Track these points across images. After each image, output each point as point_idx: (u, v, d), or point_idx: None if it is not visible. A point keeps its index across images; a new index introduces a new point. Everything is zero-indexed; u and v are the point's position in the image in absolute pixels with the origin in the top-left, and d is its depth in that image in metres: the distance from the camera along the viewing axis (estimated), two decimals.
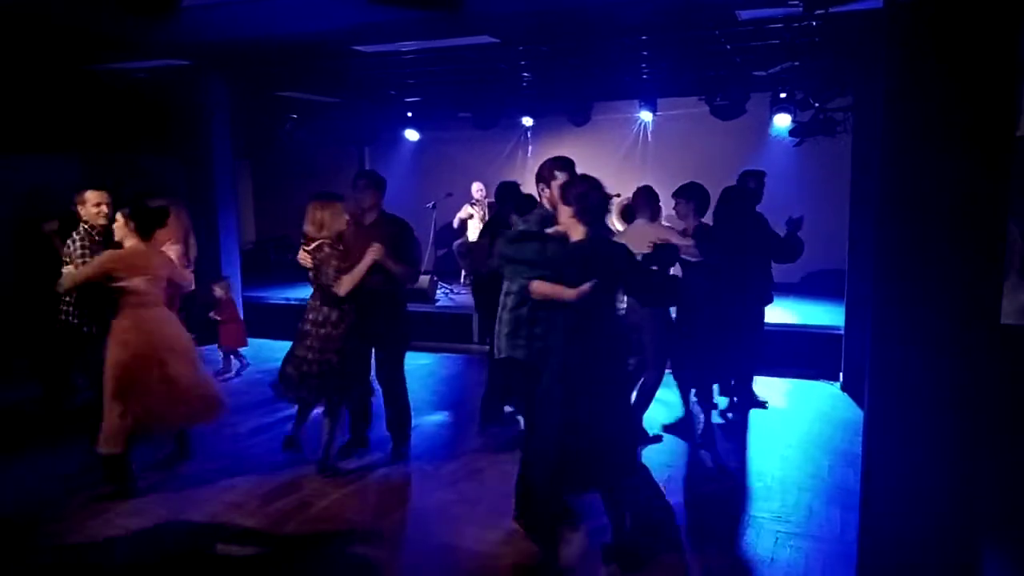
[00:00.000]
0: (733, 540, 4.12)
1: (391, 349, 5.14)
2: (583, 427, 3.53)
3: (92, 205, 4.99)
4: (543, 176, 3.99)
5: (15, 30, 6.27)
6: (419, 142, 12.28)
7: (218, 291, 7.45)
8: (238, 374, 7.55)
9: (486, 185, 10.71)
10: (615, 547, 3.81)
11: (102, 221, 4.95)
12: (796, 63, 7.71)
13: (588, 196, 3.58)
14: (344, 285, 4.57)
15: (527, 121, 11.61)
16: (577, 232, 3.61)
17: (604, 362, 3.59)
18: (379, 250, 4.63)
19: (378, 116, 11.70)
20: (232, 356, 7.60)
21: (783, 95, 8.94)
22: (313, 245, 4.65)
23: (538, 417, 3.70)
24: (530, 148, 11.98)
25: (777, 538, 4.11)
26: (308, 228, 4.68)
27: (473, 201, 10.55)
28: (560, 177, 3.87)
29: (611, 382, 3.63)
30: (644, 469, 4.66)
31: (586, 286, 3.44)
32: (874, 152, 3.08)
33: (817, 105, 8.34)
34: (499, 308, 4.02)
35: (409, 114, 11.68)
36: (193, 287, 5.38)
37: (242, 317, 9.17)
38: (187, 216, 6.24)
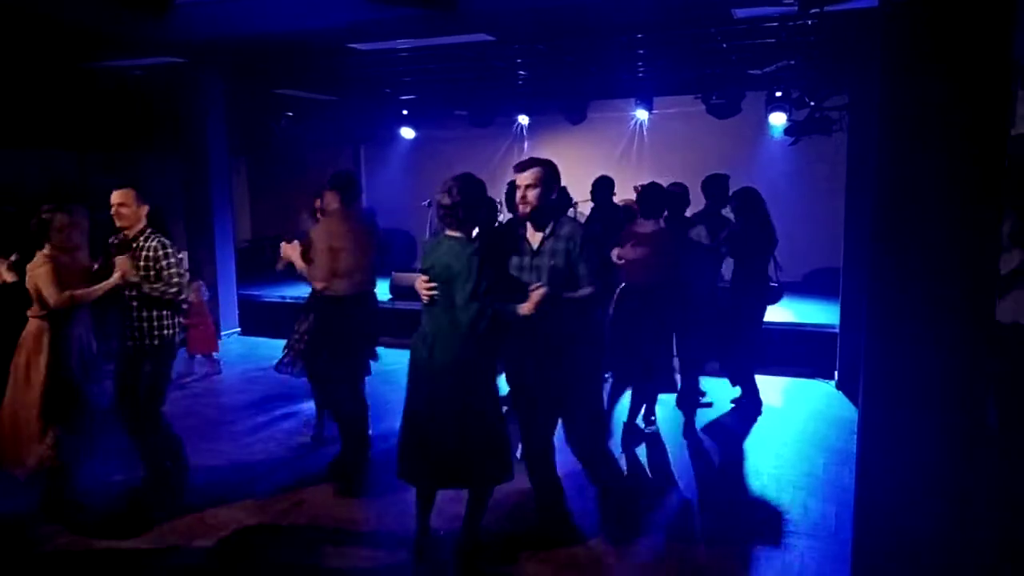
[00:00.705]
0: (728, 538, 4.13)
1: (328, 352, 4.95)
2: (426, 419, 3.56)
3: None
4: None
5: (11, 27, 6.25)
6: (415, 140, 12.27)
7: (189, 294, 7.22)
8: (207, 376, 7.28)
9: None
10: (463, 545, 3.79)
11: (118, 223, 4.30)
12: (792, 62, 7.72)
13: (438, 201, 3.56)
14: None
15: (523, 119, 11.61)
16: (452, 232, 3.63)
17: (452, 363, 3.52)
18: (284, 247, 4.84)
19: (374, 114, 11.69)
20: (206, 359, 7.36)
21: (779, 94, 8.96)
22: None
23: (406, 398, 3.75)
24: (526, 146, 11.97)
25: (772, 536, 4.12)
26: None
27: None
28: (514, 176, 3.74)
29: (459, 384, 3.54)
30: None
31: (418, 281, 3.57)
32: (870, 151, 3.09)
33: (813, 104, 8.35)
34: None
35: (405, 112, 11.67)
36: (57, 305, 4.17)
37: (237, 318, 9.20)
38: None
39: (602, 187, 6.44)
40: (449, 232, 3.59)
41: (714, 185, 6.18)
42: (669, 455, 5.33)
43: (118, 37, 6.80)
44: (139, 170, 8.99)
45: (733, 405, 6.36)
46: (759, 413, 6.20)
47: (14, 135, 7.77)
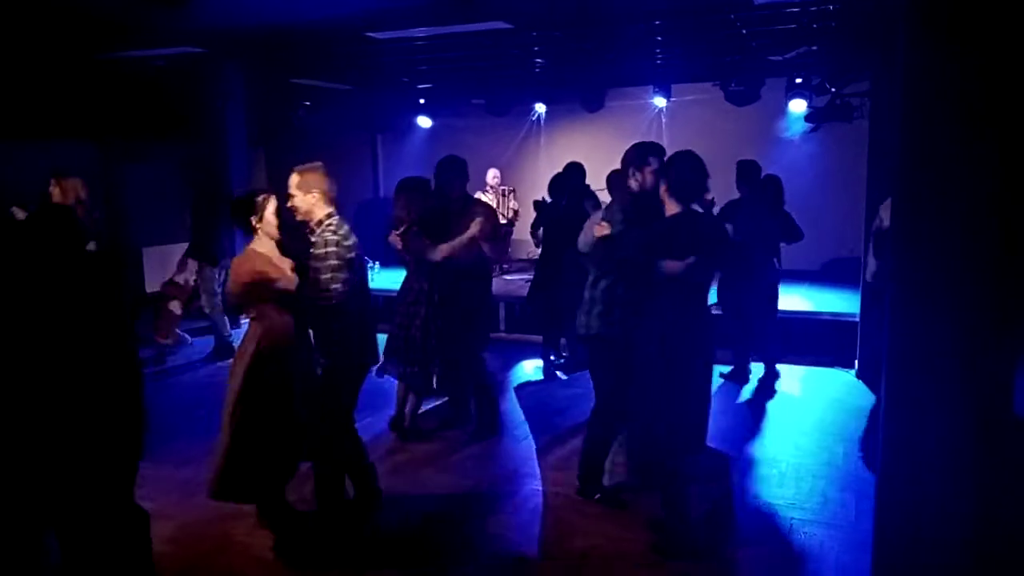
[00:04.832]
0: (747, 527, 4.12)
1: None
2: (675, 401, 3.67)
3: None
4: (633, 160, 4.04)
5: (32, 18, 6.30)
6: (431, 129, 12.24)
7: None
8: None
9: (500, 172, 10.73)
10: (663, 531, 3.84)
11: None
12: (813, 48, 7.62)
13: (683, 172, 3.69)
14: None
15: (540, 107, 11.56)
16: (671, 208, 3.70)
17: (698, 336, 3.69)
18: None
19: (391, 103, 11.68)
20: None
21: (799, 80, 8.86)
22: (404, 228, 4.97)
23: (637, 390, 3.82)
24: (543, 134, 11.94)
25: (791, 525, 4.11)
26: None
27: (487, 188, 10.51)
28: (653, 163, 3.93)
29: (700, 357, 3.75)
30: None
31: (690, 260, 3.55)
32: (892, 138, 3.04)
33: (833, 90, 8.25)
34: (586, 288, 4.17)
35: (422, 101, 11.65)
36: None
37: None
38: None
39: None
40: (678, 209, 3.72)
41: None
42: None
43: (138, 27, 6.84)
44: (158, 160, 9.05)
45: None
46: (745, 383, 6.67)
47: (33, 126, 7.82)
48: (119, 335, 2.96)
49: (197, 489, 4.44)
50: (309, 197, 3.78)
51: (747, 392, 6.56)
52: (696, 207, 4.02)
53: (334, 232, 3.70)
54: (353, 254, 3.76)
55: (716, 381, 6.69)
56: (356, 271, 3.81)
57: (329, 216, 3.78)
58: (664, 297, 3.68)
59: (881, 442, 3.14)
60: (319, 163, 3.88)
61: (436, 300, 5.08)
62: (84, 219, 4.49)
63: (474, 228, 4.95)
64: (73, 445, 2.77)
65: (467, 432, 5.45)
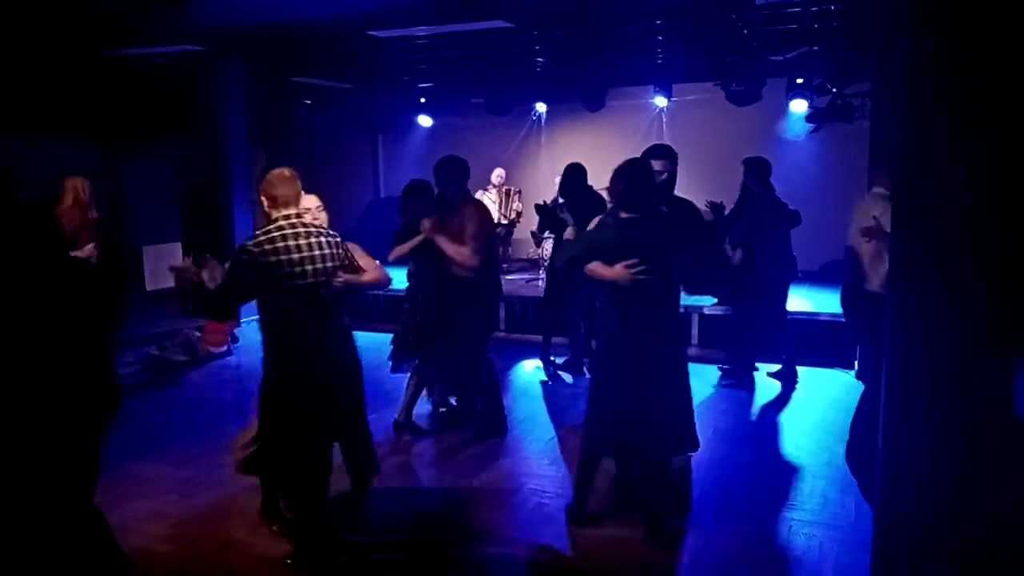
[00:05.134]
0: (747, 528, 4.12)
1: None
2: (636, 401, 3.68)
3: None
4: None
5: (31, 15, 6.30)
6: (432, 128, 12.24)
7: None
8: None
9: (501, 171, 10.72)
10: (648, 521, 3.93)
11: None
12: (814, 48, 7.62)
13: (617, 183, 3.71)
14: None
15: (541, 107, 11.55)
16: (622, 214, 3.75)
17: (657, 339, 3.69)
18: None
19: (391, 102, 11.68)
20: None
21: (800, 80, 8.86)
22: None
23: (593, 390, 3.90)
24: (544, 134, 11.93)
25: (791, 526, 4.10)
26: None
27: (489, 187, 10.48)
28: (656, 165, 3.98)
29: (665, 359, 3.75)
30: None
31: (619, 267, 3.56)
32: (892, 139, 3.04)
33: (835, 90, 8.25)
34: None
35: (422, 100, 11.64)
36: None
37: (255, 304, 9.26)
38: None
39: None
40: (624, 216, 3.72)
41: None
42: None
43: (138, 25, 6.84)
44: (158, 157, 9.05)
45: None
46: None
47: (32, 123, 7.82)
48: (91, 347, 2.88)
49: (197, 488, 4.47)
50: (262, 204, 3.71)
51: (752, 391, 6.56)
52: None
53: (250, 238, 3.52)
54: (270, 260, 3.45)
55: (714, 381, 6.72)
56: (280, 280, 3.49)
57: (273, 221, 3.57)
58: (625, 297, 3.69)
59: (881, 442, 3.13)
60: (278, 169, 3.75)
61: (420, 300, 5.12)
62: (81, 220, 4.43)
63: (420, 236, 4.87)
64: (29, 454, 2.72)
65: (470, 432, 5.44)
